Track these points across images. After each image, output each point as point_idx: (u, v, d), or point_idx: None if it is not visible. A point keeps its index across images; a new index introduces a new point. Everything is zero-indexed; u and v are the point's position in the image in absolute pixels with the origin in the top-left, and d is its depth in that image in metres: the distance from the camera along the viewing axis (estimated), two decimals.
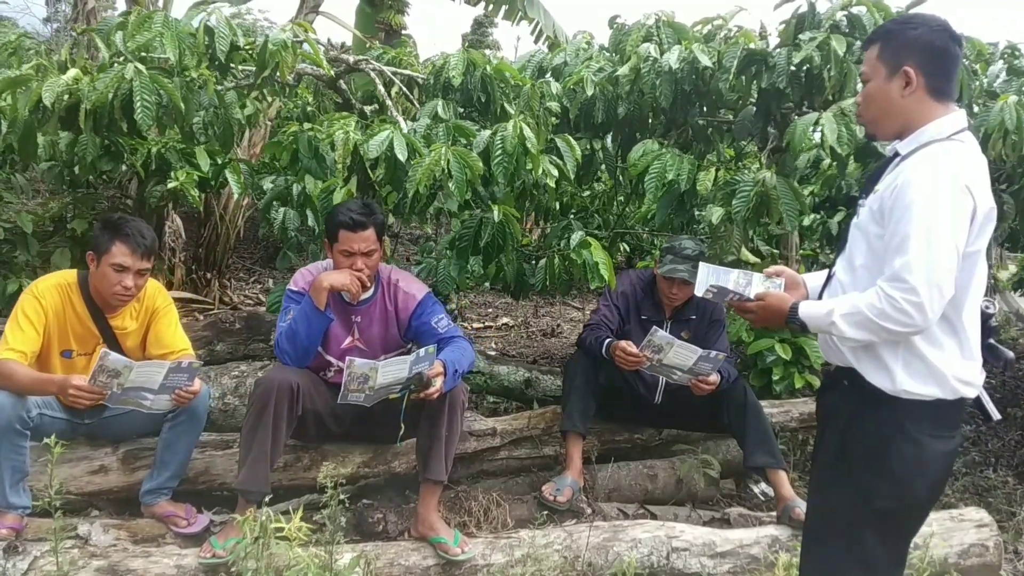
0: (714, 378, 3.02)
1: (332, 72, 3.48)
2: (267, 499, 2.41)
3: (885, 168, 1.81)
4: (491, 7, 6.70)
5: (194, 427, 2.67)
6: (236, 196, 3.63)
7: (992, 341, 1.85)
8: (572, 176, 3.26)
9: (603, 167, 4.05)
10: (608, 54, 3.81)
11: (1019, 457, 4.21)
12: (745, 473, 3.46)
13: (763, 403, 3.31)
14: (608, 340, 3.10)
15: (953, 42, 1.73)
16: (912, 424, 1.72)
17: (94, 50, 3.39)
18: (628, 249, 6.65)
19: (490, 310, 6.93)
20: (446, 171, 2.77)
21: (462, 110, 3.43)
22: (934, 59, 1.73)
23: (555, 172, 3.06)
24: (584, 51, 3.82)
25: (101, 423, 2.73)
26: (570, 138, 3.23)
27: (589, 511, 3.00)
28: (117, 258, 2.59)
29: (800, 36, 3.21)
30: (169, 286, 4.95)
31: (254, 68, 3.19)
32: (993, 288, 7.14)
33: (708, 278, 2.13)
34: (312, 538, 2.22)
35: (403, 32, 7.86)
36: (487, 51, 3.83)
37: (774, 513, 3.08)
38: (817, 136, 3.04)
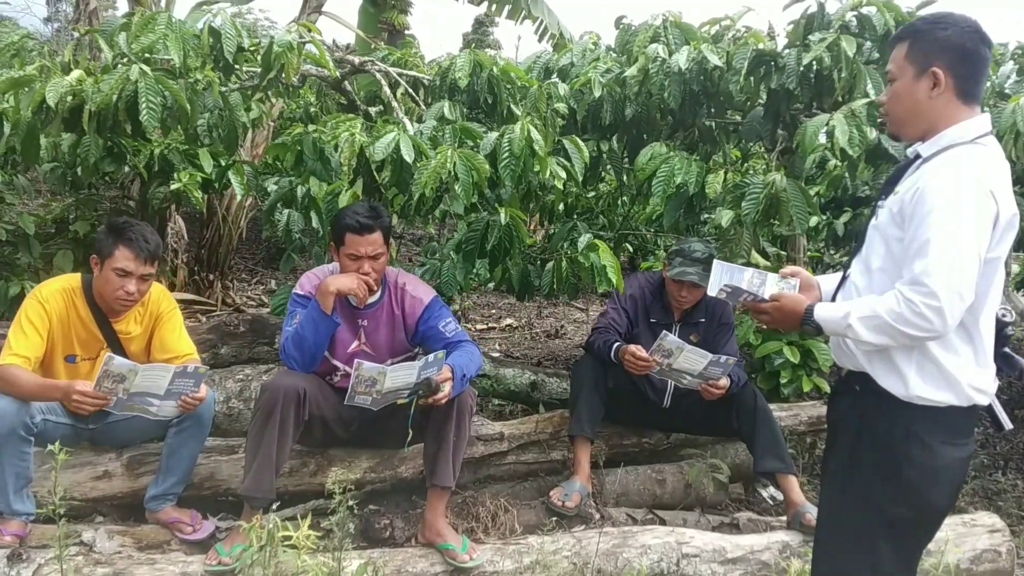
0: (724, 382, 2.99)
1: (337, 73, 3.46)
2: (273, 505, 2.40)
3: (906, 170, 1.78)
4: (494, 6, 6.67)
5: (199, 432, 2.65)
6: (239, 197, 3.60)
7: (1007, 350, 1.83)
8: (580, 178, 3.23)
9: (609, 168, 4.03)
10: (615, 55, 3.79)
11: None
12: (754, 477, 3.44)
13: (771, 406, 3.29)
14: (617, 344, 3.07)
15: (983, 44, 1.70)
16: (925, 431, 1.70)
17: (97, 51, 3.37)
18: (631, 250, 6.64)
19: (493, 311, 6.90)
20: (453, 173, 2.75)
21: (468, 111, 3.41)
22: (964, 61, 1.70)
23: (563, 174, 3.04)
24: (591, 52, 3.80)
25: (105, 428, 2.71)
26: (578, 140, 3.22)
27: (598, 516, 2.98)
28: (120, 263, 2.56)
29: (810, 37, 3.19)
30: (171, 287, 4.93)
31: (259, 69, 3.17)
32: None
33: (722, 277, 2.11)
34: (319, 545, 2.19)
35: (406, 32, 7.84)
36: (490, 51, 3.80)
37: (783, 518, 3.05)
38: (822, 137, 3.01)
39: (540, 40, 6.71)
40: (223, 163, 3.46)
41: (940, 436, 1.70)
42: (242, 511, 2.59)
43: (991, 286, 1.70)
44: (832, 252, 5.93)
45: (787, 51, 3.24)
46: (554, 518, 2.91)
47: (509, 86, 3.38)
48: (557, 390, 3.88)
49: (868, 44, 3.25)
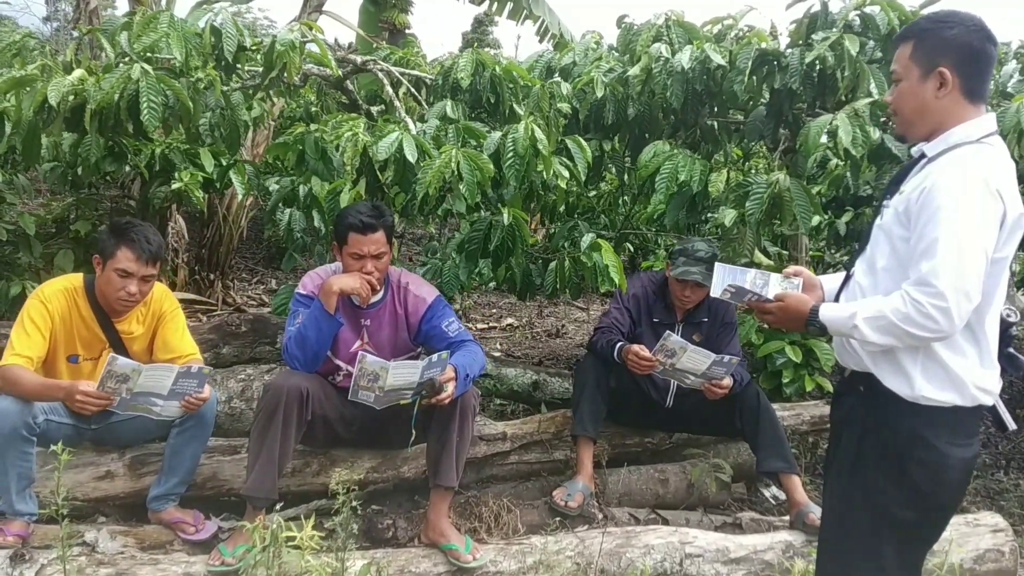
0: (727, 382, 2.99)
1: (340, 73, 3.46)
2: (276, 506, 2.40)
3: (911, 169, 1.78)
4: (495, 6, 6.67)
5: (202, 433, 2.64)
6: (240, 197, 3.60)
7: (1011, 350, 1.82)
8: (582, 178, 3.23)
9: (611, 167, 4.02)
10: (617, 54, 3.79)
11: None
12: (757, 477, 3.44)
13: (774, 406, 3.29)
14: (620, 344, 3.07)
15: (989, 43, 1.69)
16: (930, 431, 1.70)
17: (98, 50, 3.37)
18: (632, 249, 6.64)
19: (494, 310, 6.90)
20: (457, 173, 2.75)
21: (471, 111, 3.41)
22: (971, 60, 1.69)
23: (566, 174, 3.04)
24: (593, 51, 3.80)
25: (108, 428, 2.71)
26: (581, 139, 3.21)
27: (600, 516, 2.98)
28: (122, 263, 2.56)
29: (813, 36, 3.19)
30: (172, 287, 4.92)
31: (260, 69, 3.17)
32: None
33: (725, 278, 2.11)
34: (323, 545, 2.19)
35: (407, 31, 7.83)
36: (490, 50, 3.80)
37: (786, 517, 3.05)
38: (825, 137, 3.02)
39: (541, 40, 6.70)
40: (224, 162, 3.46)
41: (945, 437, 1.70)
42: (245, 511, 2.59)
43: (997, 286, 1.69)
44: (833, 252, 5.93)
45: (790, 50, 3.24)
46: (557, 518, 2.90)
47: (512, 86, 3.38)
48: (559, 390, 3.88)
49: (871, 43, 3.24)
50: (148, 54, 2.90)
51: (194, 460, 2.68)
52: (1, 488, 2.44)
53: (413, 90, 3.59)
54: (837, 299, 1.91)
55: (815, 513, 2.82)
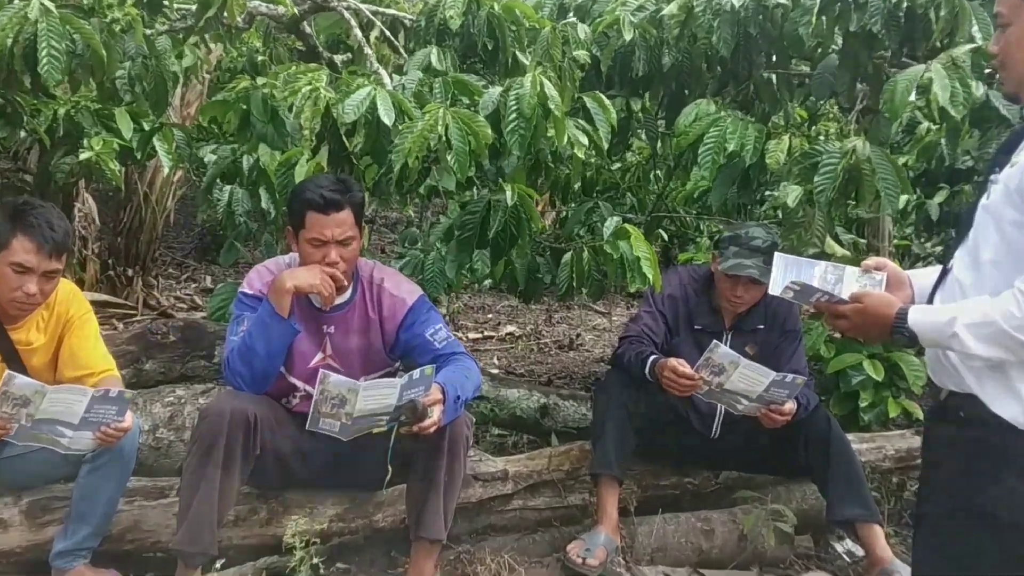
0: (790, 407, 3.00)
1: (295, 11, 3.48)
2: (215, 563, 2.41)
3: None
4: None
5: (120, 470, 2.65)
6: (166, 171, 3.61)
7: None
8: (604, 146, 3.25)
9: (640, 133, 4.02)
10: None
11: None
12: (827, 527, 3.46)
13: (849, 437, 3.31)
14: (653, 357, 3.09)
15: None
16: None
17: None
18: (666, 237, 6.67)
19: (490, 316, 6.93)
20: (444, 139, 2.77)
21: (462, 61, 3.43)
22: None
23: (584, 140, 3.05)
24: None
25: (1, 464, 2.71)
26: (602, 97, 3.23)
27: None
28: (18, 256, 2.56)
29: None
30: (80, 285, 4.92)
31: (194, 7, 3.19)
32: None
33: (787, 273, 2.12)
34: None
35: None
36: None
37: None
38: (912, 94, 3.03)
39: None
40: (146, 126, 3.46)
41: None
42: (176, 570, 2.59)
43: None
44: (923, 240, 5.95)
45: None
46: None
47: (514, 28, 3.40)
48: (574, 416, 3.91)
49: None
50: None
51: (110, 505, 2.68)
52: None
53: (389, 33, 3.61)
54: (931, 300, 1.92)
55: (902, 573, 2.84)
